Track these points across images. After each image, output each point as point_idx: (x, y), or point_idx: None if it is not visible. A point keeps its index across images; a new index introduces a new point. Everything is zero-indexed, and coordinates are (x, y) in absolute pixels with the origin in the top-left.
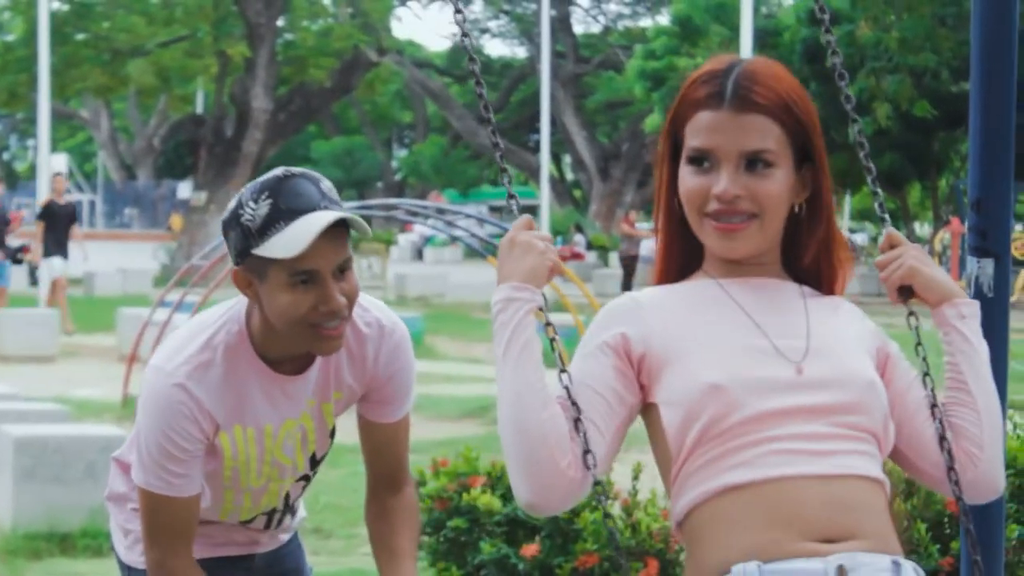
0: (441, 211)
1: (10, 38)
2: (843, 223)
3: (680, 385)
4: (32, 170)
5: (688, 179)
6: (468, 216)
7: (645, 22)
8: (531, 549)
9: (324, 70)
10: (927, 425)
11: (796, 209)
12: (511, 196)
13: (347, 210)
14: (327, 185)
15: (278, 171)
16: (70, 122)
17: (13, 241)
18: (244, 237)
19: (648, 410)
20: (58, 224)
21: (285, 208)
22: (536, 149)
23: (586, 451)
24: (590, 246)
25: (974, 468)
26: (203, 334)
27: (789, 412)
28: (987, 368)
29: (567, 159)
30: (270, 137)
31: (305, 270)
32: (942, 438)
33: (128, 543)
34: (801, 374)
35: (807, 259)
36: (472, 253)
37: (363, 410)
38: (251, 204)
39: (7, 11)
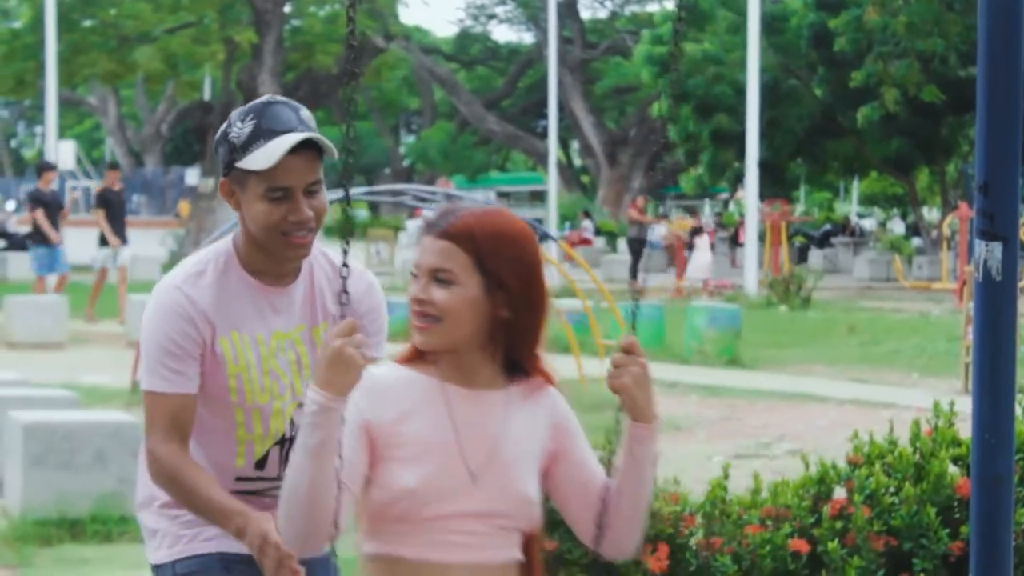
0: (449, 197)
1: (17, 25)
2: (851, 208)
3: (385, 479)
4: (40, 157)
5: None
6: (476, 202)
7: (652, 7)
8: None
9: (331, 56)
10: (587, 494)
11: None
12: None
13: (318, 133)
14: (306, 114)
15: (264, 97)
16: (78, 109)
17: (21, 228)
18: (230, 151)
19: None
20: (116, 211)
21: (266, 128)
22: (544, 135)
23: (335, 522)
24: (598, 232)
25: (605, 540)
26: (197, 256)
27: (461, 514)
28: (647, 483)
29: (575, 145)
30: None
31: (279, 187)
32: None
33: (155, 544)
34: (476, 484)
35: (518, 361)
36: None
37: None
38: (238, 123)
39: None
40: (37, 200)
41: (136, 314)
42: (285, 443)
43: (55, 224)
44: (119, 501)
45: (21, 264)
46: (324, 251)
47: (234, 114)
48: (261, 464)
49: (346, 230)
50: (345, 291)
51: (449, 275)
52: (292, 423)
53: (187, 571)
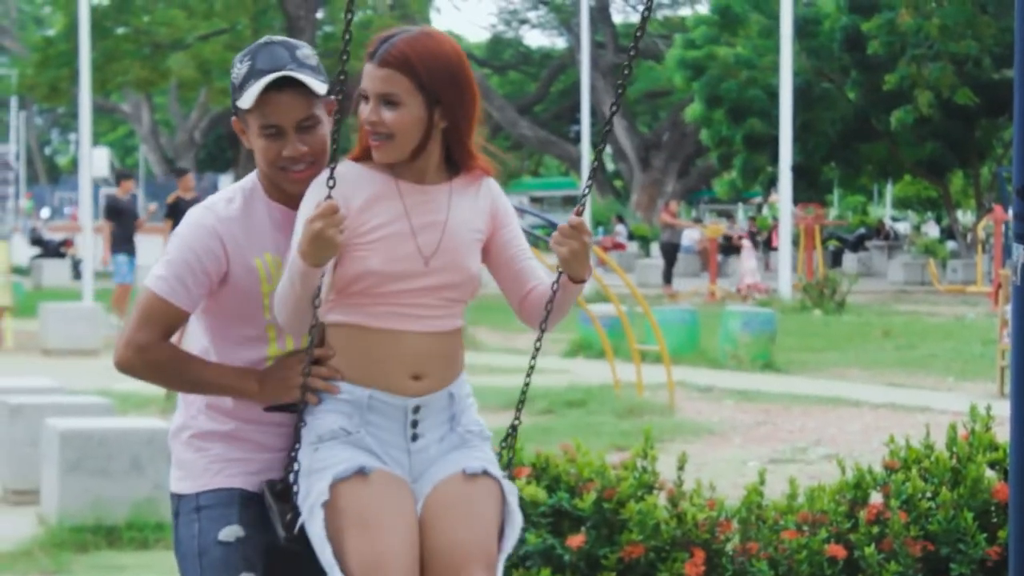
0: None
1: (51, 33)
2: (885, 211)
3: (353, 262)
4: (74, 164)
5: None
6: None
7: (685, 11)
8: (577, 540)
9: (363, 62)
10: (515, 279)
11: (443, 134)
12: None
13: (303, 71)
14: (304, 52)
15: (263, 39)
16: (111, 116)
17: (55, 235)
18: (232, 91)
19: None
20: None
21: (257, 68)
22: (576, 140)
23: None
24: (631, 236)
25: (523, 313)
26: (227, 188)
27: (414, 290)
28: (562, 310)
29: (608, 149)
30: None
31: (270, 124)
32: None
33: (181, 474)
34: (427, 267)
35: (459, 161)
36: None
37: None
38: (237, 64)
39: (48, 6)
40: (113, 208)
41: None
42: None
43: (131, 233)
44: (155, 507)
45: (56, 271)
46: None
47: (236, 56)
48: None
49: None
50: (332, 177)
51: (395, 98)
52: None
53: (209, 503)
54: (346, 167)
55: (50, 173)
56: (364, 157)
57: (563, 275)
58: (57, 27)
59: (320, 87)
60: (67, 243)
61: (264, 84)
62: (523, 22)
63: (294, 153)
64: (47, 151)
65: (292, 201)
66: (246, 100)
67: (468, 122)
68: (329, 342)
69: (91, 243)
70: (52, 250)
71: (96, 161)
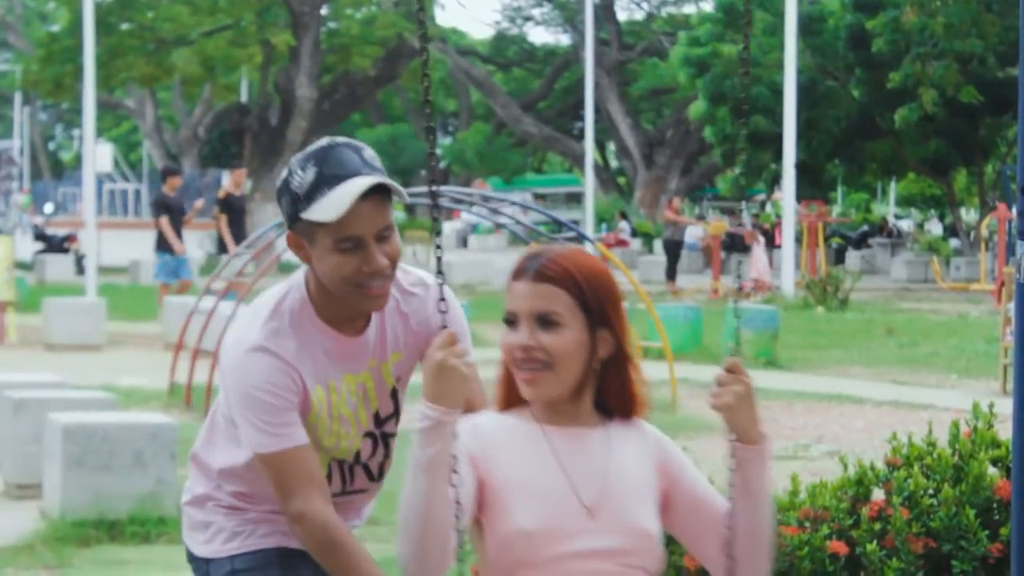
0: (486, 199)
1: (55, 28)
2: (889, 209)
3: (500, 523)
4: (77, 160)
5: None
6: (513, 203)
7: (689, 8)
8: None
9: (368, 58)
10: (711, 524)
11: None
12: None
13: (380, 171)
14: (370, 154)
15: (324, 141)
16: (115, 112)
17: (59, 230)
18: (293, 202)
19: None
20: (238, 217)
21: (329, 174)
22: (580, 136)
23: (453, 545)
24: (635, 233)
25: (739, 570)
26: (269, 305)
27: (582, 553)
28: (763, 506)
29: (611, 146)
30: (314, 126)
31: (349, 236)
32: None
33: (207, 536)
34: (594, 520)
35: (615, 401)
36: (517, 240)
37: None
38: (299, 171)
39: (52, 2)
40: (163, 205)
41: (174, 317)
42: (344, 465)
43: (179, 229)
44: (157, 502)
45: (59, 266)
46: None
47: (294, 161)
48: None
49: (436, 230)
50: (442, 298)
51: (556, 317)
52: (358, 454)
53: (247, 566)
54: (485, 417)
55: (54, 169)
56: (510, 405)
57: (735, 445)
58: (61, 23)
59: (404, 194)
60: (71, 238)
61: (358, 193)
62: (527, 19)
63: (376, 267)
64: (51, 147)
65: (346, 322)
66: (325, 212)
67: (628, 351)
68: None
69: (95, 238)
70: (56, 245)
71: (100, 157)
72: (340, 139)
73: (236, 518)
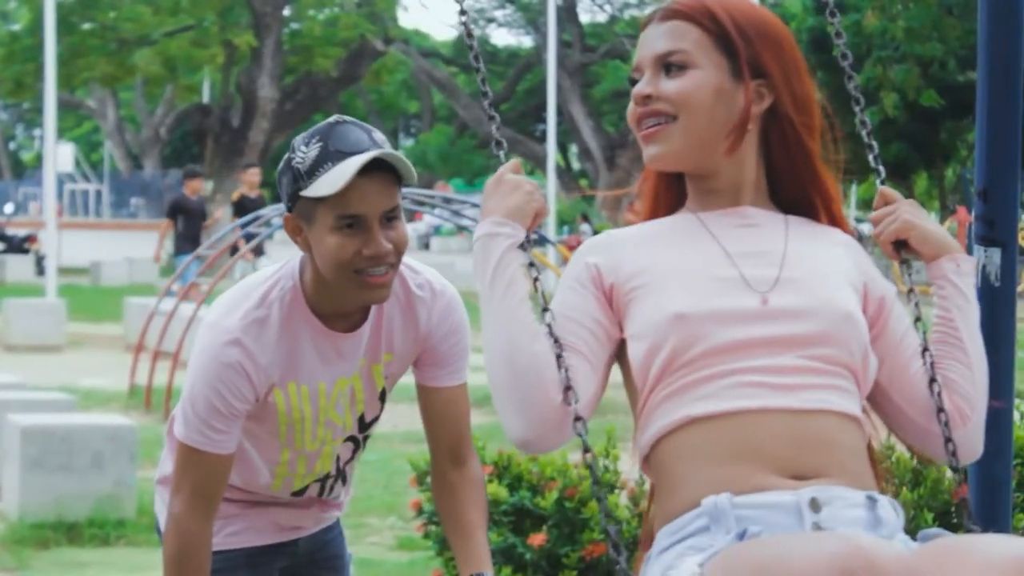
0: (448, 200)
1: (16, 27)
2: (850, 212)
3: (644, 316)
4: (38, 159)
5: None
6: (475, 206)
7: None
8: (538, 538)
9: (330, 59)
10: (919, 374)
11: (762, 134)
12: (498, 143)
13: (390, 150)
14: (379, 135)
15: (331, 118)
16: (76, 112)
17: (19, 231)
18: (294, 180)
19: (620, 346)
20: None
21: (334, 150)
22: (542, 139)
23: (567, 387)
24: (596, 235)
25: (963, 427)
26: (258, 290)
27: (755, 343)
28: (978, 327)
29: (573, 148)
30: (277, 126)
31: (351, 214)
32: (933, 382)
33: None
34: (766, 304)
35: (792, 189)
36: None
37: (422, 377)
38: (303, 148)
39: (13, 1)
40: (181, 208)
41: (135, 318)
42: (328, 479)
43: (197, 233)
44: (117, 504)
45: (19, 266)
46: (401, 269)
47: (297, 139)
48: (299, 494)
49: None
50: (498, 141)
51: (683, 57)
52: (338, 459)
53: (214, 568)
54: (622, 229)
55: (15, 168)
56: (652, 214)
57: (933, 266)
58: (22, 22)
59: (413, 173)
60: (31, 239)
61: (359, 164)
62: (490, 20)
63: (378, 251)
64: (11, 146)
65: (341, 317)
66: (326, 186)
67: (806, 113)
68: (654, 478)
69: (55, 239)
70: (16, 246)
71: (61, 157)
72: (348, 118)
73: None
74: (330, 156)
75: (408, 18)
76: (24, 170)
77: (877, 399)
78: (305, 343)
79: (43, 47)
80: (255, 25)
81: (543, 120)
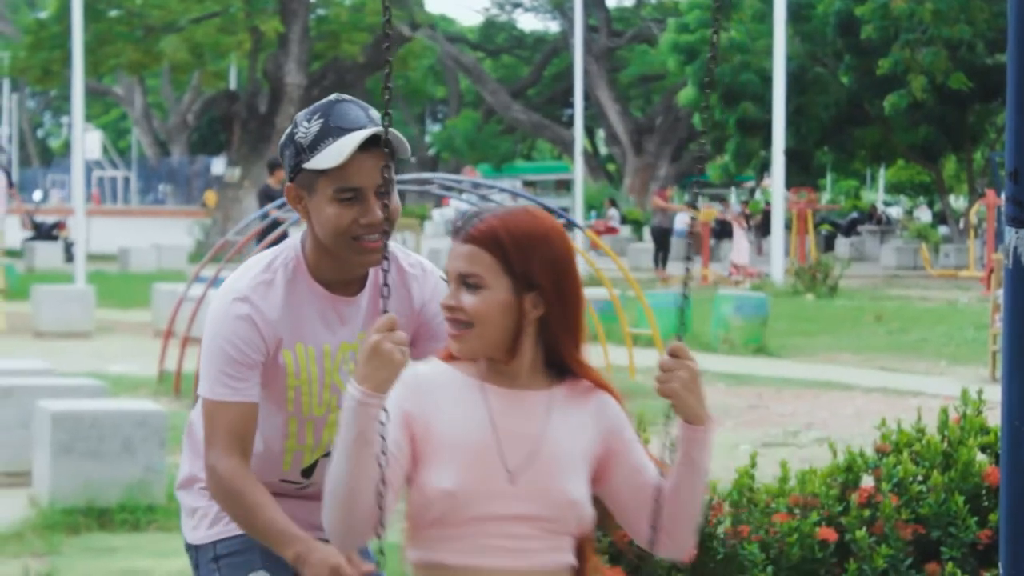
0: (475, 186)
1: (43, 15)
2: (878, 196)
3: (425, 480)
4: (66, 147)
5: None
6: (502, 191)
7: None
8: None
9: (357, 45)
10: (647, 493)
11: (540, 325)
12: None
13: (392, 130)
14: (375, 113)
15: (331, 96)
16: (104, 99)
17: (48, 218)
18: (297, 153)
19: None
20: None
21: (334, 126)
22: (569, 123)
23: (380, 523)
24: (624, 220)
25: (660, 540)
26: (264, 260)
27: (502, 517)
28: (702, 484)
29: (601, 133)
30: None
31: (349, 187)
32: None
33: (194, 523)
34: (514, 485)
35: (562, 361)
36: None
37: (418, 353)
38: (305, 123)
39: None
40: (269, 198)
41: (163, 304)
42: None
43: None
44: (146, 490)
45: (48, 253)
46: (393, 249)
47: (300, 115)
48: (308, 472)
49: (389, 224)
50: (385, 284)
51: (477, 279)
52: None
53: (228, 551)
54: (427, 366)
55: (42, 156)
56: (454, 357)
57: (682, 426)
58: (50, 9)
59: (407, 148)
60: (60, 226)
61: (359, 140)
62: (516, 5)
63: (373, 219)
64: (39, 134)
65: (340, 283)
66: (328, 159)
67: (570, 314)
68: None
69: (84, 225)
70: (45, 233)
71: (89, 144)
72: (347, 96)
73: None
74: (331, 132)
75: (434, 3)
76: (52, 158)
77: (611, 499)
78: (309, 307)
79: (70, 34)
80: (282, 11)
81: (570, 105)
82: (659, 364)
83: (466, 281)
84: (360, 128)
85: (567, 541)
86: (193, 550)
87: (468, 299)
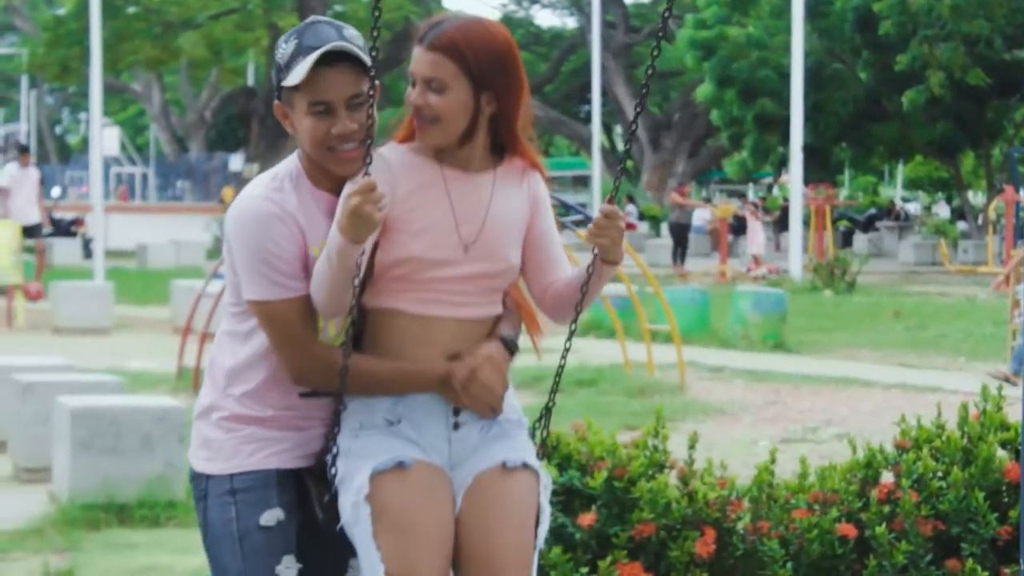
0: None
1: (62, 12)
2: (896, 192)
3: (391, 248)
4: (84, 143)
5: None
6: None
7: None
8: (588, 518)
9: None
10: (542, 258)
11: (491, 121)
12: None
13: (353, 45)
14: (351, 32)
15: (309, 18)
16: (122, 95)
17: (67, 214)
18: (277, 72)
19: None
20: None
21: (306, 45)
22: (587, 120)
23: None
24: (642, 216)
25: (546, 303)
26: (268, 175)
27: (453, 277)
28: (594, 295)
29: (618, 129)
30: None
31: (320, 100)
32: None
33: (208, 454)
34: (467, 254)
35: (505, 144)
36: None
37: None
38: (283, 45)
39: None
40: None
41: (182, 301)
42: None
43: None
44: (166, 485)
45: (67, 250)
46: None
47: (280, 39)
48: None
49: (370, 129)
50: (368, 153)
51: (440, 83)
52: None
53: (245, 486)
54: (392, 152)
55: (61, 152)
56: (409, 138)
57: (599, 260)
58: (67, 6)
59: (367, 58)
60: (78, 222)
61: (316, 57)
62: (534, 2)
63: (344, 130)
64: (58, 130)
65: (337, 188)
66: (295, 76)
67: (516, 109)
68: (367, 328)
69: (102, 222)
70: (63, 229)
71: (107, 140)
72: (323, 18)
73: (237, 435)
74: (302, 51)
75: (451, 0)
76: (70, 154)
77: (524, 264)
78: (317, 208)
79: (88, 31)
80: (299, 7)
81: (587, 101)
82: (594, 222)
83: (431, 84)
84: (327, 44)
85: (499, 295)
86: (203, 479)
87: (434, 99)
